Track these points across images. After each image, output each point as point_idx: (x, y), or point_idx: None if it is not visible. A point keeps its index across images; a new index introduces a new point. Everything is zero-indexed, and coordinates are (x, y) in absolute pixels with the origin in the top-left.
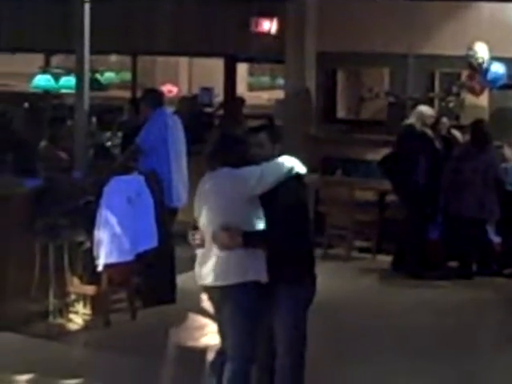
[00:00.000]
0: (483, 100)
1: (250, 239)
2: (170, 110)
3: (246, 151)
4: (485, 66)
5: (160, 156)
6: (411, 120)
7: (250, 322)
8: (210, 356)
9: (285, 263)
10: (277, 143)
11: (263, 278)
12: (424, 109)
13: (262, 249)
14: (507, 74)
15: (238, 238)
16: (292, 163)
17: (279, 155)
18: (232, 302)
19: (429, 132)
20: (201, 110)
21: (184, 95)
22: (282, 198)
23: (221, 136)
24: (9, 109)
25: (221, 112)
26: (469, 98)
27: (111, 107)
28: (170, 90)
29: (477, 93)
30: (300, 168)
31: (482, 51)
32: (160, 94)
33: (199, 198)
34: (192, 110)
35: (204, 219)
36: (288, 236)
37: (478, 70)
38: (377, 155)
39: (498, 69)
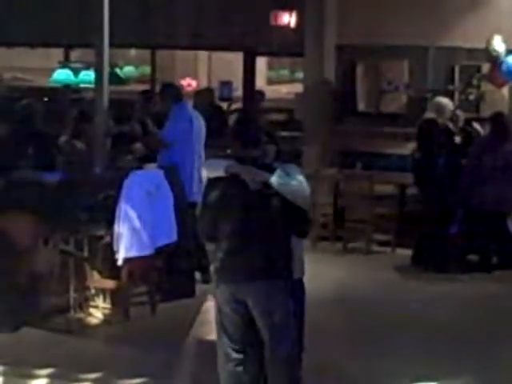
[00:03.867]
0: (504, 92)
1: None
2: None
3: None
4: (501, 58)
5: (184, 150)
6: (430, 113)
7: None
8: None
9: None
10: None
11: None
12: (443, 101)
13: None
14: None
15: None
16: None
17: None
18: None
19: (450, 125)
20: (215, 103)
21: (199, 89)
22: None
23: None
24: (30, 103)
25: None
26: (489, 91)
27: (129, 101)
28: (189, 83)
29: (498, 85)
30: None
31: (497, 44)
32: (179, 89)
33: None
34: (208, 102)
35: None
36: None
37: (495, 62)
38: (396, 148)
39: None
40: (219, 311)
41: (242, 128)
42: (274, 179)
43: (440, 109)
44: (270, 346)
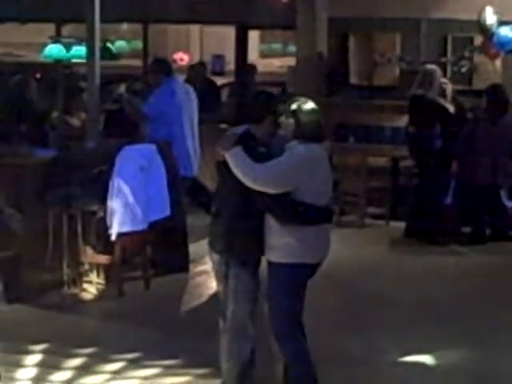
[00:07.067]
0: (497, 64)
1: None
2: (181, 78)
3: None
4: (492, 30)
5: (171, 124)
6: (419, 90)
7: None
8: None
9: None
10: None
11: None
12: (433, 70)
13: None
14: None
15: None
16: None
17: None
18: None
19: (441, 101)
20: (208, 78)
21: (192, 63)
22: None
23: None
24: (22, 79)
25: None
26: (482, 63)
27: (122, 76)
28: (181, 58)
29: (491, 57)
30: None
31: (489, 16)
32: (169, 63)
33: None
34: (201, 77)
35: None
36: None
37: (486, 34)
38: (389, 121)
39: (506, 33)
40: None
41: (238, 102)
42: (227, 154)
43: (430, 81)
44: None
